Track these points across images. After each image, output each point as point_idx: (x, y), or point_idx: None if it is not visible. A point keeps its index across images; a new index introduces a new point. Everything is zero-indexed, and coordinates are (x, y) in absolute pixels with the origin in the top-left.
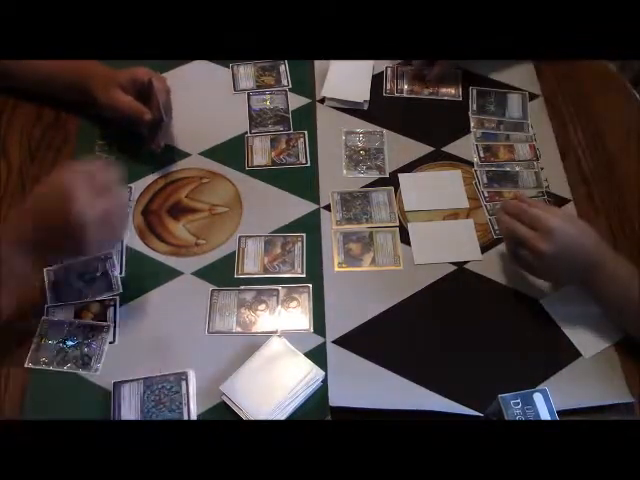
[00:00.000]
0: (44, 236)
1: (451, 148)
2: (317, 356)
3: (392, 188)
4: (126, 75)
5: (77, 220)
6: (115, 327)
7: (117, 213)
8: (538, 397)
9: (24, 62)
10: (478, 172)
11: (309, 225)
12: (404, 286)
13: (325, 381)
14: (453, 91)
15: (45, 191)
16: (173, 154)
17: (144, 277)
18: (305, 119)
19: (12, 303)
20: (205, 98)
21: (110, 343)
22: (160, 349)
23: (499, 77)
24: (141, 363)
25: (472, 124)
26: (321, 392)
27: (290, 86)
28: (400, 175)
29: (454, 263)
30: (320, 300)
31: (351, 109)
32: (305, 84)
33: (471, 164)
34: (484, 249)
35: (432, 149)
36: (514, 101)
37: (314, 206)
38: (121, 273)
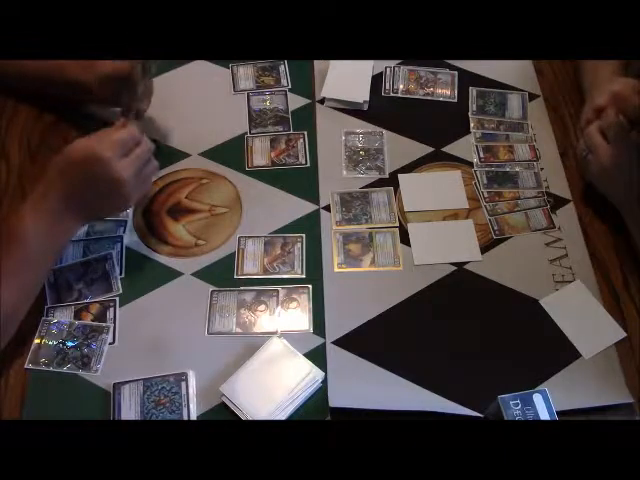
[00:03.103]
0: (87, 199)
1: (451, 148)
2: (317, 357)
3: (392, 188)
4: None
5: (116, 181)
6: (115, 328)
7: (147, 165)
8: (537, 398)
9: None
10: (478, 172)
11: (309, 226)
12: (404, 287)
13: (325, 382)
14: (448, 92)
15: (75, 159)
16: (173, 155)
17: (144, 278)
18: (305, 119)
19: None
20: (205, 98)
21: (110, 344)
22: (160, 350)
23: (499, 77)
24: (141, 364)
25: (472, 124)
26: (321, 393)
27: (290, 86)
28: (400, 175)
29: (454, 263)
30: (320, 301)
31: (351, 109)
32: (305, 84)
33: (471, 164)
34: (484, 249)
35: (432, 149)
36: (514, 101)
37: (314, 207)
38: (121, 274)
